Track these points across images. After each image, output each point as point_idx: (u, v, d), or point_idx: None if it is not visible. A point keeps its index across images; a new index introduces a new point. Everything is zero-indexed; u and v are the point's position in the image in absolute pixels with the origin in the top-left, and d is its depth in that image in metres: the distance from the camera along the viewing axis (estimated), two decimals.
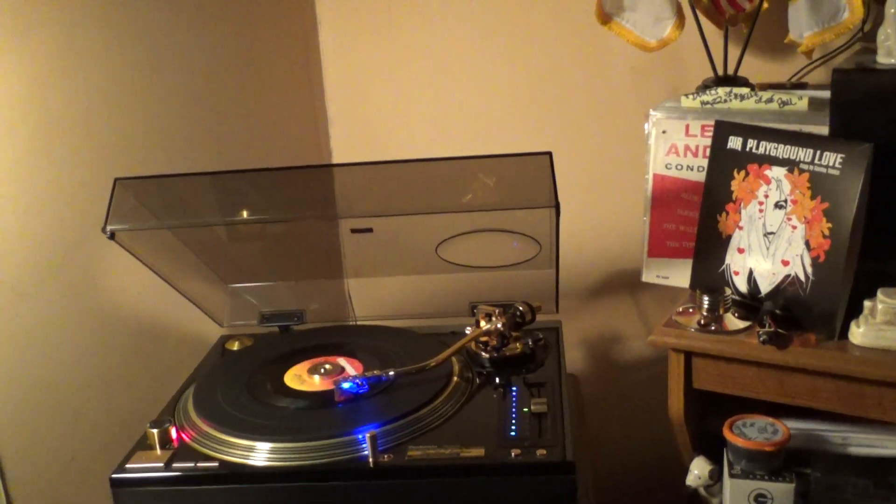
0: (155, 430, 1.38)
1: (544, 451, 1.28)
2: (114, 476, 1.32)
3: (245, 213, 1.60)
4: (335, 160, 2.21)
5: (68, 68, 1.60)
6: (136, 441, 1.39)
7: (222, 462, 1.33)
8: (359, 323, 1.84)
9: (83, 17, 1.62)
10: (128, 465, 1.34)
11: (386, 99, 2.14)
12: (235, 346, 1.73)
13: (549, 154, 1.38)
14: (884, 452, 1.34)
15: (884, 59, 1.31)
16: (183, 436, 1.40)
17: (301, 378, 1.53)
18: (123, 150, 1.71)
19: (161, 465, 1.33)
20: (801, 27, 1.50)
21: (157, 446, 1.37)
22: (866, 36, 1.52)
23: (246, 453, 1.34)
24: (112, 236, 1.46)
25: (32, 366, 1.59)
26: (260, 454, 1.33)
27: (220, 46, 1.92)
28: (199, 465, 1.33)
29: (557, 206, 1.37)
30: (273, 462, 1.32)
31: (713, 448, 1.39)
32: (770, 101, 1.47)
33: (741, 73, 1.64)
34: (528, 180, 1.46)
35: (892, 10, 1.28)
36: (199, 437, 1.39)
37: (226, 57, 1.94)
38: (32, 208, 1.57)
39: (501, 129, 2.06)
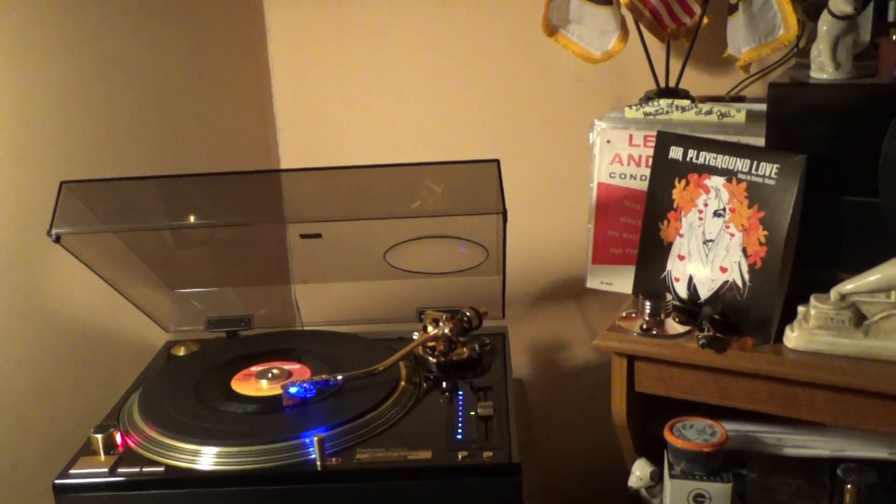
0: (99, 436, 1.36)
1: (490, 454, 1.30)
2: (57, 482, 1.30)
3: (192, 218, 1.59)
4: (283, 164, 2.20)
5: (15, 70, 1.58)
6: (80, 447, 1.38)
7: (168, 467, 1.32)
8: (306, 328, 1.84)
9: (31, 21, 1.60)
10: (71, 471, 1.32)
11: (335, 107, 2.15)
12: (182, 352, 1.72)
13: (497, 161, 1.40)
14: (816, 453, 1.38)
15: (817, 74, 1.36)
16: (128, 441, 1.39)
17: (248, 383, 1.52)
18: (70, 154, 1.69)
19: (105, 470, 1.32)
20: (739, 42, 1.55)
21: (102, 452, 1.35)
22: (801, 52, 1.58)
23: (192, 458, 1.33)
24: (57, 239, 1.44)
25: None
26: (206, 458, 1.33)
27: (170, 52, 1.91)
28: (144, 470, 1.32)
29: (504, 213, 1.40)
30: (220, 466, 1.32)
31: (654, 450, 1.42)
32: (710, 112, 1.51)
33: (682, 85, 1.69)
34: (476, 187, 1.49)
35: (825, 28, 1.33)
36: (144, 443, 1.37)
37: (175, 62, 1.93)
38: None
39: (450, 138, 2.09)
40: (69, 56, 1.68)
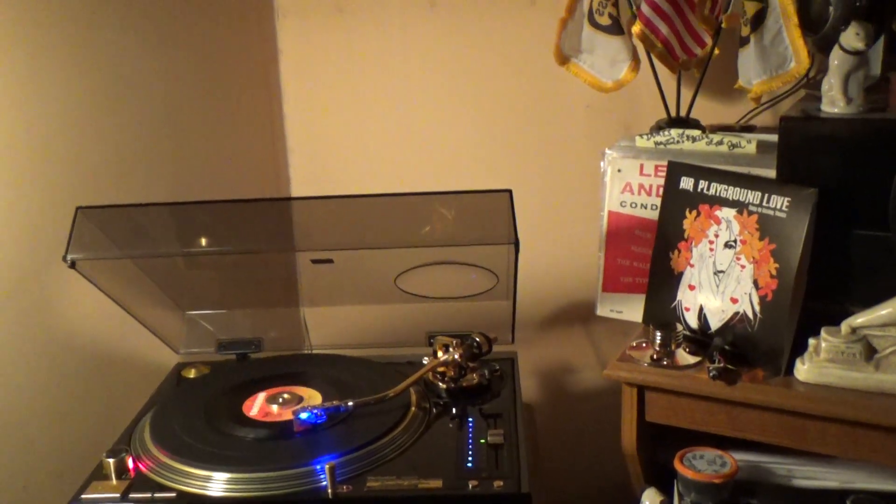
0: (111, 460, 1.36)
1: (501, 483, 1.30)
2: None
3: (204, 242, 1.60)
4: (294, 189, 2.22)
5: (29, 94, 1.60)
6: (90, 470, 1.38)
7: (179, 492, 1.33)
8: (317, 352, 1.85)
9: (46, 45, 1.62)
10: (83, 496, 1.33)
11: (346, 131, 2.16)
12: (192, 374, 1.73)
13: (509, 192, 1.41)
14: (825, 485, 1.38)
15: (828, 108, 1.37)
16: (140, 465, 1.39)
17: (260, 407, 1.53)
18: (82, 178, 1.70)
19: (117, 495, 1.32)
20: (750, 74, 1.56)
21: (114, 476, 1.36)
22: (811, 83, 1.59)
23: (203, 483, 1.34)
24: (73, 265, 1.45)
25: None
26: (217, 484, 1.33)
27: (183, 75, 1.93)
28: (156, 495, 1.32)
29: (517, 243, 1.41)
30: (231, 493, 1.32)
31: (664, 479, 1.42)
32: (720, 143, 1.52)
33: (693, 114, 1.71)
34: (488, 216, 1.50)
35: (836, 63, 1.34)
36: (155, 467, 1.38)
37: (188, 85, 1.95)
38: None
39: (460, 163, 2.10)
40: (83, 80, 1.70)
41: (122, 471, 1.37)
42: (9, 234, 1.59)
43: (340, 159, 2.19)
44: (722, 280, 1.42)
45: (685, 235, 1.46)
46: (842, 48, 1.33)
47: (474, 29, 2.01)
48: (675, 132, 1.56)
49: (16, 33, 1.57)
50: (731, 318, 1.41)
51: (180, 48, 1.92)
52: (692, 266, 1.45)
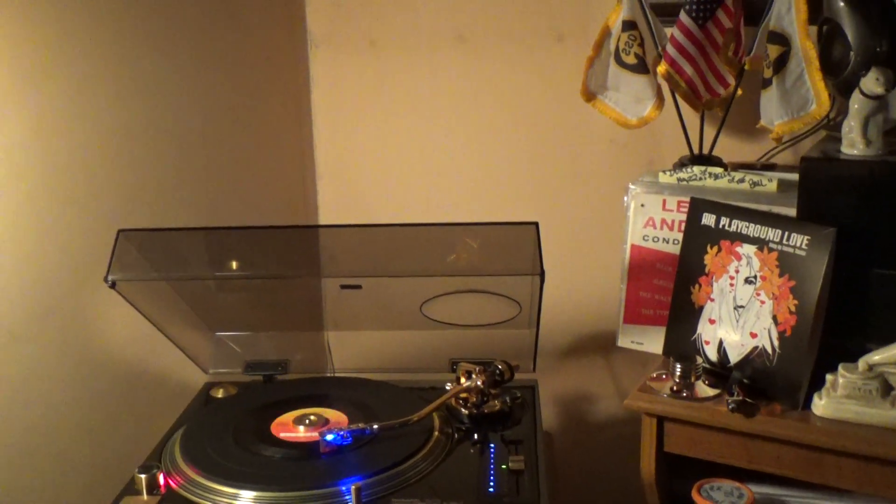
0: (143, 476, 1.40)
1: None
2: None
3: (235, 266, 1.65)
4: (322, 215, 2.26)
5: (73, 121, 1.66)
6: (122, 486, 1.41)
7: None
8: (343, 375, 1.88)
9: (90, 74, 1.69)
10: None
11: (374, 159, 2.21)
12: (220, 394, 1.76)
13: (536, 224, 1.46)
14: None
15: (847, 150, 1.41)
16: (170, 482, 1.43)
17: (287, 428, 1.56)
18: (121, 202, 1.76)
19: None
20: (772, 115, 1.60)
21: (145, 492, 1.40)
22: (832, 124, 1.63)
23: (231, 501, 1.37)
24: (113, 285, 1.50)
25: (23, 407, 1.62)
26: (245, 502, 1.37)
27: (218, 105, 1.99)
28: None
29: (542, 275, 1.45)
30: None
31: None
32: (742, 181, 1.56)
33: (715, 152, 1.74)
34: (514, 247, 1.54)
35: (856, 106, 1.38)
36: (185, 484, 1.42)
37: (222, 115, 2.01)
38: (31, 254, 1.62)
39: (487, 194, 2.14)
40: (124, 109, 1.76)
41: (153, 486, 1.41)
42: (50, 255, 1.65)
43: (368, 187, 2.23)
44: (742, 315, 1.45)
45: (706, 270, 1.50)
46: (862, 93, 1.37)
47: (502, 63, 2.06)
48: (697, 169, 1.59)
49: (64, 63, 1.64)
50: (751, 353, 1.43)
51: (217, 78, 1.99)
52: (712, 300, 1.49)
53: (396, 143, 2.19)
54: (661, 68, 1.63)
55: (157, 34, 1.83)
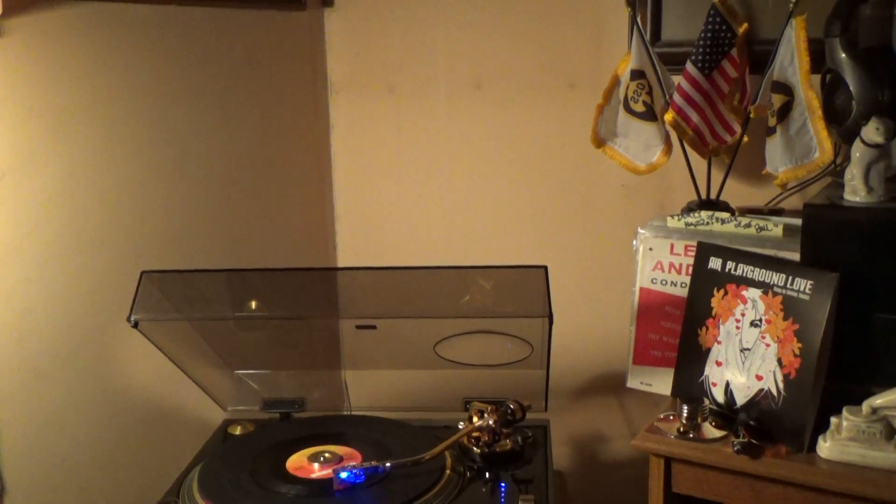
0: None
1: None
2: None
3: (254, 306, 1.70)
4: (340, 256, 2.32)
5: (101, 168, 1.73)
6: None
7: None
8: (357, 413, 1.91)
9: (118, 122, 1.75)
10: None
11: (392, 203, 2.27)
12: (238, 431, 1.80)
13: (545, 268, 1.49)
14: None
15: (850, 197, 1.44)
16: None
17: (302, 465, 1.59)
18: (145, 244, 1.82)
19: None
20: (777, 162, 1.63)
21: None
22: (837, 169, 1.66)
23: None
24: (136, 325, 1.55)
25: (47, 443, 1.67)
26: None
27: (239, 149, 2.06)
28: None
29: (551, 317, 1.48)
30: None
31: None
32: (748, 226, 1.59)
33: (723, 197, 1.77)
34: (525, 290, 1.57)
35: (857, 155, 1.41)
36: None
37: (244, 159, 2.07)
38: (58, 294, 1.67)
39: (500, 237, 2.18)
40: (149, 153, 1.83)
41: None
42: (76, 296, 1.70)
43: (386, 230, 2.28)
44: (748, 357, 1.47)
45: (713, 313, 1.52)
46: (863, 141, 1.41)
47: (517, 110, 2.11)
48: (705, 214, 1.63)
49: (94, 114, 1.71)
50: (756, 395, 1.46)
51: (239, 124, 2.05)
52: (719, 343, 1.51)
53: (413, 187, 2.24)
54: (669, 116, 1.67)
55: (183, 84, 1.90)
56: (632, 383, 1.68)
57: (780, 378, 1.42)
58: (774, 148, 1.63)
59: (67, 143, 1.67)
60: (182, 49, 1.89)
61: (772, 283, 1.45)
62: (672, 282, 1.63)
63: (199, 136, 1.94)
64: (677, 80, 1.70)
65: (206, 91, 1.96)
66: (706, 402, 1.50)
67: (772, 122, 1.61)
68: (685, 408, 1.47)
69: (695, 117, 1.67)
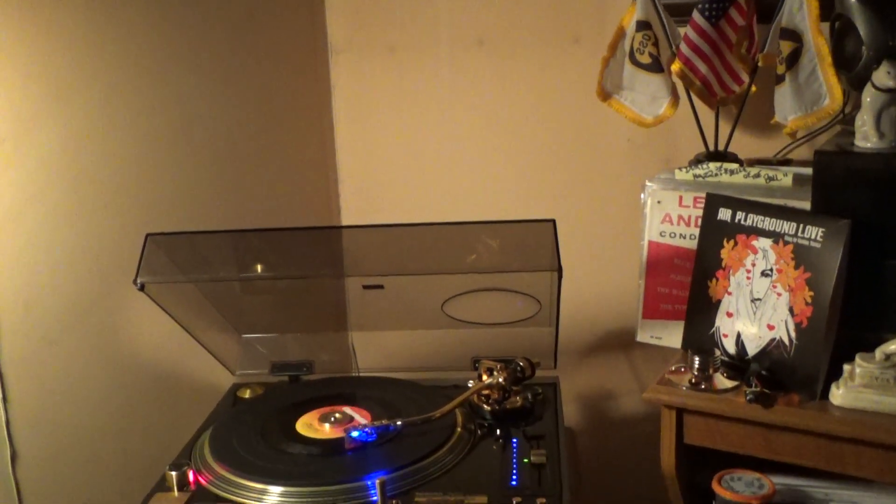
0: (174, 473, 1.44)
1: (544, 500, 1.36)
2: None
3: (260, 268, 1.69)
4: (344, 218, 2.30)
5: (103, 131, 1.71)
6: (152, 484, 1.45)
7: None
8: (364, 374, 1.91)
9: (119, 84, 1.74)
10: None
11: (395, 162, 2.25)
12: (247, 394, 1.80)
13: (553, 221, 1.48)
14: None
15: (861, 143, 1.43)
16: (200, 479, 1.47)
17: (312, 426, 1.60)
18: (149, 207, 1.81)
19: None
20: (786, 111, 1.61)
21: (175, 488, 1.44)
22: (846, 118, 1.64)
23: (260, 496, 1.41)
24: (142, 288, 1.54)
25: (58, 409, 1.67)
26: (273, 497, 1.40)
27: (242, 111, 2.04)
28: None
29: (560, 271, 1.47)
30: None
31: (703, 501, 1.46)
32: (757, 176, 1.57)
33: (731, 148, 1.76)
34: (533, 244, 1.56)
35: (868, 100, 1.39)
36: (215, 480, 1.45)
37: (246, 121, 2.06)
38: (63, 260, 1.66)
39: (506, 194, 2.17)
40: (152, 117, 1.81)
41: (183, 483, 1.44)
42: (82, 261, 1.70)
43: (389, 189, 2.27)
44: (759, 307, 1.46)
45: (723, 264, 1.51)
46: (874, 86, 1.39)
47: (521, 66, 2.09)
48: (713, 165, 1.61)
49: (93, 76, 1.69)
50: (768, 345, 1.45)
51: (241, 86, 2.03)
52: (730, 294, 1.50)
53: (416, 145, 2.22)
54: (676, 67, 1.65)
55: (183, 45, 1.88)
56: (642, 337, 1.67)
57: (791, 327, 1.42)
58: (783, 96, 1.61)
59: (68, 107, 1.65)
60: (182, 9, 1.87)
61: (782, 232, 1.43)
62: (681, 234, 1.62)
63: (201, 98, 1.92)
64: (683, 30, 1.68)
65: (206, 53, 1.93)
66: (717, 353, 1.49)
67: (780, 69, 1.59)
68: (696, 359, 1.46)
69: (702, 67, 1.64)
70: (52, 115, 1.63)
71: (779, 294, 1.44)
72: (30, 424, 1.63)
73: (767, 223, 1.46)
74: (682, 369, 1.51)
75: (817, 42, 1.54)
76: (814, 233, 1.39)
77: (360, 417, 1.60)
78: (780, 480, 1.43)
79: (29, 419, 1.63)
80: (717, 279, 1.52)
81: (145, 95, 1.80)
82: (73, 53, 1.65)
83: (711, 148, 1.77)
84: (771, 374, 1.43)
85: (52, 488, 1.67)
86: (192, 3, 1.89)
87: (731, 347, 1.50)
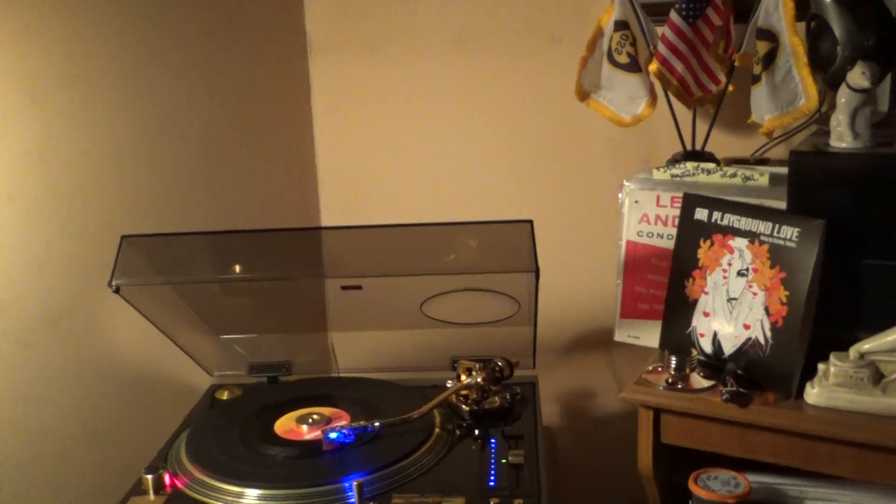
0: (149, 476, 1.43)
1: (521, 501, 1.36)
2: None
3: (238, 269, 1.68)
4: (324, 219, 2.30)
5: (77, 130, 1.69)
6: (128, 487, 1.44)
7: None
8: (344, 375, 1.91)
9: (94, 83, 1.72)
10: None
11: (374, 162, 2.24)
12: (225, 396, 1.79)
13: (531, 222, 1.48)
14: None
15: (836, 143, 1.43)
16: (176, 482, 1.46)
17: (290, 427, 1.59)
18: (126, 206, 1.79)
19: None
20: (762, 111, 1.62)
21: (151, 492, 1.43)
22: (823, 118, 1.65)
23: (237, 500, 1.40)
24: (117, 290, 1.53)
25: (31, 413, 1.65)
26: (250, 500, 1.39)
27: (220, 111, 2.02)
28: None
29: (537, 271, 1.47)
30: None
31: (680, 501, 1.46)
32: (734, 175, 1.58)
33: (708, 148, 1.76)
34: (510, 245, 1.56)
35: (843, 100, 1.40)
36: (191, 484, 1.45)
37: (224, 121, 2.04)
38: (38, 261, 1.65)
39: (485, 194, 2.17)
40: (128, 115, 1.79)
41: (159, 487, 1.44)
42: (56, 262, 1.68)
43: (369, 189, 2.26)
44: (735, 307, 1.47)
45: (699, 264, 1.52)
46: (849, 86, 1.39)
47: (499, 65, 2.09)
48: (690, 165, 1.62)
49: (68, 74, 1.67)
50: (744, 344, 1.46)
51: (219, 85, 2.02)
52: (706, 293, 1.51)
53: (396, 145, 2.22)
54: (653, 66, 1.65)
55: (159, 43, 1.86)
56: (619, 337, 1.68)
57: (767, 326, 1.42)
58: (760, 96, 1.61)
59: (43, 107, 1.63)
60: (160, 8, 1.85)
61: (758, 231, 1.44)
62: (658, 234, 1.62)
63: (178, 97, 1.91)
64: (661, 30, 1.68)
65: (180, 52, 1.92)
66: (694, 352, 1.50)
67: (757, 69, 1.60)
68: (673, 359, 1.47)
69: (679, 67, 1.65)
70: (26, 115, 1.61)
71: (755, 294, 1.44)
72: (4, 428, 1.61)
73: (743, 223, 1.46)
74: (660, 369, 1.51)
75: (793, 42, 1.55)
76: (789, 233, 1.40)
77: (339, 419, 1.59)
78: (756, 479, 1.43)
79: (3, 422, 1.61)
80: (694, 279, 1.52)
81: (121, 95, 1.78)
82: (46, 52, 1.63)
83: (689, 147, 1.77)
84: (747, 373, 1.43)
85: (26, 492, 1.65)
86: (170, 2, 1.87)
87: (707, 347, 1.51)
